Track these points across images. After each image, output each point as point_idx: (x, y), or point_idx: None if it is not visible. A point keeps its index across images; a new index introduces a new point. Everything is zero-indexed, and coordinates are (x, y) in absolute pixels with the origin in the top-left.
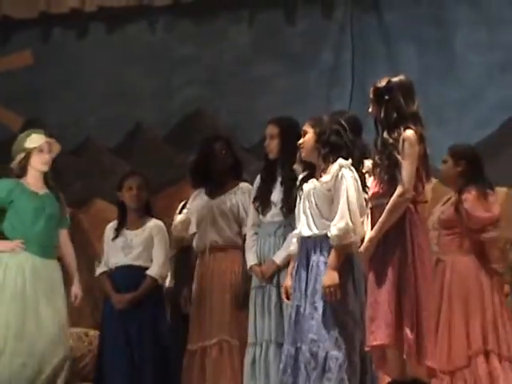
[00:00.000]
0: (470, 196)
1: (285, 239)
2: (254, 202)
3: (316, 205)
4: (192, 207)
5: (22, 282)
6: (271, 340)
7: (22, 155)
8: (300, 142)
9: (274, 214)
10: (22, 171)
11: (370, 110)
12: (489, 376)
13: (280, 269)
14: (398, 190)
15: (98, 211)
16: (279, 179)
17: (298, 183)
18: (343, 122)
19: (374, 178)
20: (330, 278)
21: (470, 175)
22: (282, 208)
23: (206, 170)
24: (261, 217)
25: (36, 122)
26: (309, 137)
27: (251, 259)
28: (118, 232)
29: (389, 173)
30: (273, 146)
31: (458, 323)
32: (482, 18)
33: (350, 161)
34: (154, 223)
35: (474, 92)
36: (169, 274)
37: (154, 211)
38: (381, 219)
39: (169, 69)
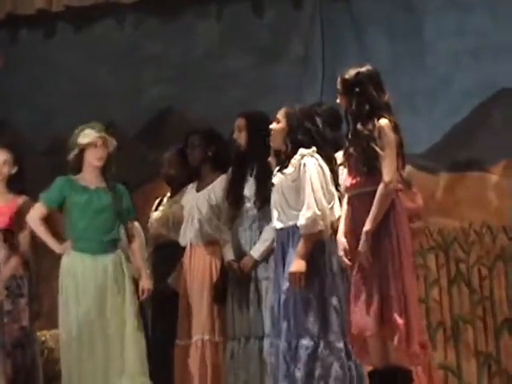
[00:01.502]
0: None
1: (260, 232)
2: (227, 197)
3: (284, 197)
4: (183, 201)
5: (74, 287)
6: (250, 334)
7: (76, 151)
8: (271, 127)
9: (248, 208)
10: (78, 167)
11: (339, 101)
12: None
13: (257, 263)
14: (384, 180)
15: None
16: (250, 172)
17: (272, 177)
18: (317, 119)
19: (350, 170)
20: (296, 265)
21: None
22: (255, 201)
23: (183, 164)
24: (235, 211)
25: (5, 123)
26: (280, 127)
27: (228, 254)
28: None
29: (367, 164)
30: (240, 139)
31: None
32: (451, 5)
33: (312, 148)
34: None
35: (445, 78)
36: (147, 271)
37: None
38: (372, 212)
39: (138, 66)
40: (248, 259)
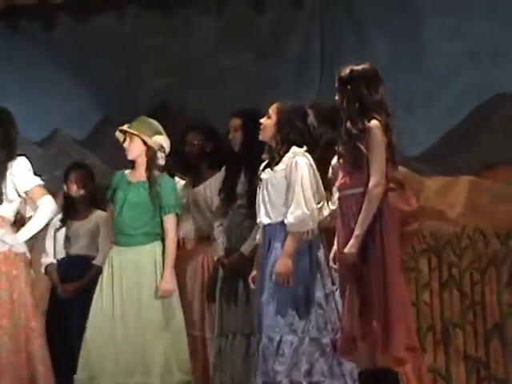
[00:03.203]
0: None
1: (251, 230)
2: (219, 194)
3: (273, 193)
4: (181, 196)
5: (110, 280)
6: (237, 331)
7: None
8: (261, 121)
9: (240, 206)
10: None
11: (336, 98)
12: None
13: (247, 260)
14: (371, 182)
15: None
16: (244, 171)
17: (258, 173)
18: (309, 118)
19: (341, 170)
20: (283, 264)
21: None
22: (247, 200)
23: (181, 160)
24: (227, 208)
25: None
26: (270, 122)
27: (218, 250)
28: (63, 223)
29: (355, 164)
30: (236, 138)
31: None
32: (451, 7)
33: (304, 148)
34: (99, 213)
35: (442, 81)
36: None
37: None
38: (361, 216)
39: (137, 60)
40: (237, 256)
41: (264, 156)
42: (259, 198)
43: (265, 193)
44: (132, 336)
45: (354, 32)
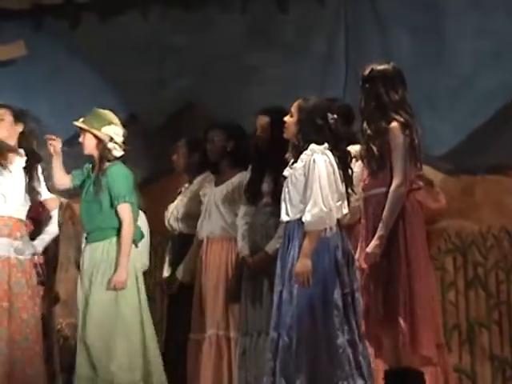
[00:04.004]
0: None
1: (276, 229)
2: (245, 192)
3: (292, 190)
4: (201, 194)
5: (80, 277)
6: (262, 330)
7: None
8: (284, 119)
9: (265, 204)
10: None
11: None
12: None
13: (272, 259)
14: (394, 183)
15: None
16: (269, 169)
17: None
18: (329, 114)
19: (364, 170)
20: (301, 264)
21: None
22: (272, 198)
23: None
24: (252, 207)
25: (27, 111)
26: (292, 120)
27: (243, 249)
28: None
29: (375, 165)
30: (262, 137)
31: None
32: (475, 4)
33: (325, 145)
34: None
35: (467, 79)
36: (166, 263)
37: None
38: (384, 216)
39: (161, 58)
40: (262, 255)
41: (288, 155)
42: (282, 196)
43: (286, 190)
44: (95, 333)
45: (378, 29)
